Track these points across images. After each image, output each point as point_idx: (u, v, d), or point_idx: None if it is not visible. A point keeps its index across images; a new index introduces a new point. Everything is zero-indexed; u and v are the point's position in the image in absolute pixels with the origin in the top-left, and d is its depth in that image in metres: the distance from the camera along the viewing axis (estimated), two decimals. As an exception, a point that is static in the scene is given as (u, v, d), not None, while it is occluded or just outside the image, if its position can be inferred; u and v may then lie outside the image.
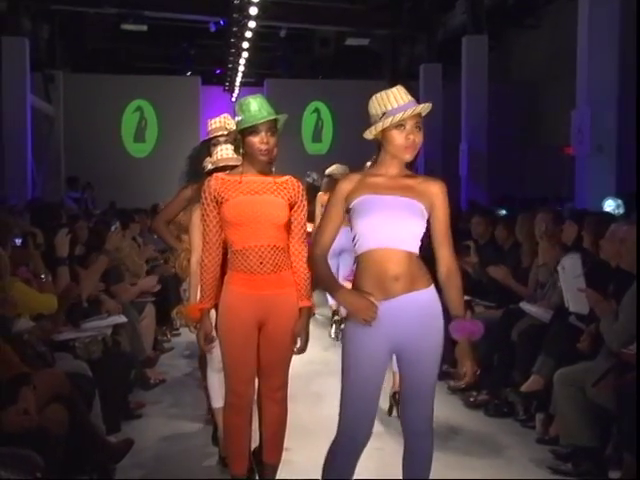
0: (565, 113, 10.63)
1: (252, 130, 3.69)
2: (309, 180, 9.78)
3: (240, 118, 3.74)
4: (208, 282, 3.87)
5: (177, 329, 8.56)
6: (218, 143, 4.74)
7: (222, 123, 5.03)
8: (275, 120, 3.76)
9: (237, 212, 3.73)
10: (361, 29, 17.91)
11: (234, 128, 4.65)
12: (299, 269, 3.83)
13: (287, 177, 3.88)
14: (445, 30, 17.02)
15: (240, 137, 3.76)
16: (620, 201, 8.77)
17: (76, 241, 5.93)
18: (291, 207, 3.81)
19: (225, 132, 4.86)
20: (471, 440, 5.33)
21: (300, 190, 3.86)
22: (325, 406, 5.77)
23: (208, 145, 4.92)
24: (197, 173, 4.79)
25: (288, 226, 3.83)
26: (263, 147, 3.71)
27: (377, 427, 3.43)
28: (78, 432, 4.02)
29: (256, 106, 3.72)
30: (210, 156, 4.69)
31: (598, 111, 9.44)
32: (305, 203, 3.88)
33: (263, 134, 3.70)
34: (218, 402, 4.42)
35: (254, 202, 3.74)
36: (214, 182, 3.81)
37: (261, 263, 3.73)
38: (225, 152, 4.42)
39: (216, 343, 3.98)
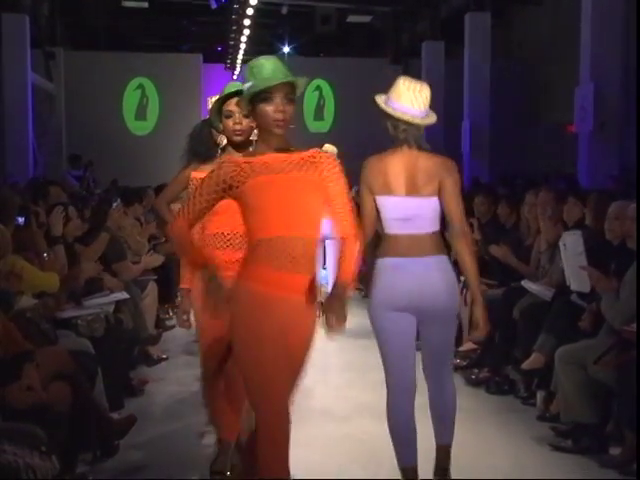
0: (568, 90, 10.60)
1: (265, 97, 3.08)
2: None
3: (250, 83, 3.13)
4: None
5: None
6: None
7: None
8: (293, 86, 3.14)
9: (260, 194, 3.09)
10: (363, 6, 17.80)
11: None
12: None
13: (313, 150, 3.24)
14: (447, 7, 16.91)
15: (250, 107, 3.15)
16: None
17: (68, 220, 5.90)
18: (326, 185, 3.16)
19: None
20: (472, 417, 5.35)
21: (334, 162, 3.20)
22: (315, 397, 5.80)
23: (210, 123, 4.69)
24: (197, 153, 4.67)
25: (322, 213, 3.19)
26: (279, 116, 3.09)
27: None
28: (81, 409, 4.04)
29: (270, 68, 3.11)
30: (211, 135, 4.64)
31: (601, 88, 9.40)
32: (342, 176, 3.23)
33: (279, 101, 3.08)
34: None
35: (280, 181, 3.10)
36: (228, 167, 3.13)
37: (293, 258, 3.07)
38: None
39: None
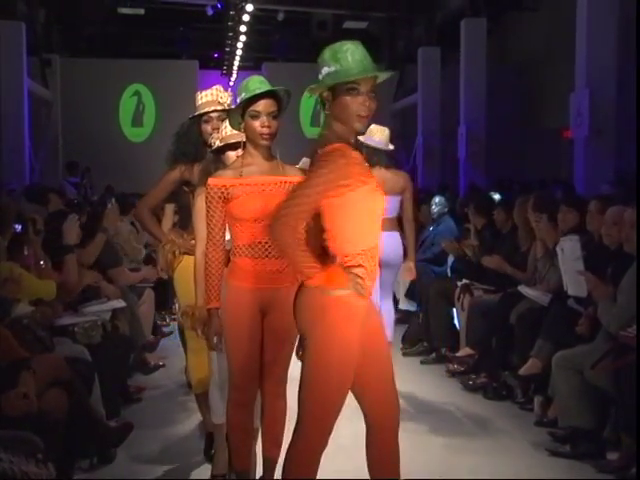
0: (564, 96, 10.61)
1: (351, 87, 2.79)
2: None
3: (332, 69, 2.83)
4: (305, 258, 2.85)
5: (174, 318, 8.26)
6: (210, 119, 4.30)
7: (214, 96, 4.40)
8: (375, 80, 2.87)
9: (368, 202, 2.90)
10: (359, 12, 17.82)
11: (228, 102, 4.25)
12: None
13: None
14: (443, 13, 16.92)
15: (329, 95, 2.87)
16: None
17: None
18: None
19: (218, 107, 4.34)
20: (469, 423, 5.35)
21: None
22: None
23: (198, 122, 4.39)
24: (186, 154, 4.37)
25: None
26: (363, 113, 2.81)
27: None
28: (78, 416, 4.03)
29: (358, 55, 2.81)
30: (200, 134, 4.34)
31: (597, 94, 9.41)
32: None
33: (366, 95, 2.79)
34: (220, 418, 3.98)
35: (373, 188, 2.93)
36: (354, 165, 2.86)
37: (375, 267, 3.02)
38: None
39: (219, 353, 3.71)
